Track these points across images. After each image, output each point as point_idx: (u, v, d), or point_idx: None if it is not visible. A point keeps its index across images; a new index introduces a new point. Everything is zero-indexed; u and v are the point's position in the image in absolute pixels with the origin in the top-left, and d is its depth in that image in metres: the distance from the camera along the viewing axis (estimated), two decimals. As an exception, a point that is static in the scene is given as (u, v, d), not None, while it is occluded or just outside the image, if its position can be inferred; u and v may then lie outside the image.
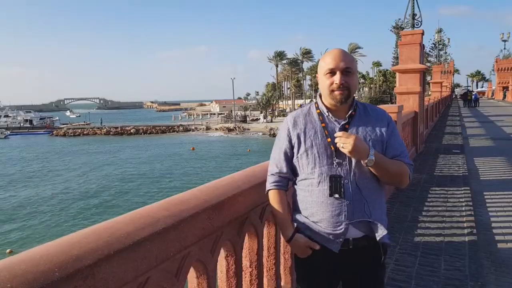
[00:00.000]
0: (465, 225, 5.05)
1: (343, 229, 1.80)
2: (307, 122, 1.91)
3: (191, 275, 1.92)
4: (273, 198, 1.99)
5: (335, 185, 1.79)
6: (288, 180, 1.99)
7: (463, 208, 5.73)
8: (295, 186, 1.98)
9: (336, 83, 1.81)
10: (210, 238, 1.93)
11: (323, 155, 1.83)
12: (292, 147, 1.92)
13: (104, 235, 1.39)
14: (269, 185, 2.01)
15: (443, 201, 6.15)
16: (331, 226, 1.81)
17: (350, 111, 1.88)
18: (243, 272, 2.35)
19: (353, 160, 1.81)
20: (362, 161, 1.78)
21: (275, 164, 1.99)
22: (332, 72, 1.83)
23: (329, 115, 1.89)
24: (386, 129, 1.89)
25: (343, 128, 1.85)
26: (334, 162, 1.81)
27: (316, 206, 1.84)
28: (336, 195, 1.79)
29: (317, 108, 1.94)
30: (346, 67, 1.81)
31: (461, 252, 4.20)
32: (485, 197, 6.39)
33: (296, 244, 1.93)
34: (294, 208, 2.00)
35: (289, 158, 1.94)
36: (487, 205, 5.98)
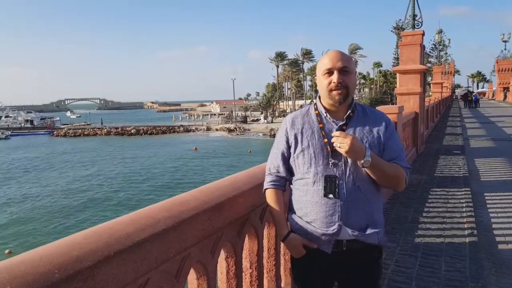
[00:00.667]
0: (465, 226, 5.04)
1: (336, 230, 1.81)
2: (305, 123, 1.92)
3: (191, 276, 1.92)
4: (270, 198, 2.01)
5: (330, 185, 1.79)
6: (286, 180, 2.00)
7: (464, 209, 5.72)
8: (291, 186, 1.99)
9: (334, 82, 1.81)
10: (210, 239, 1.93)
11: (319, 155, 1.84)
12: (289, 148, 1.94)
13: (104, 236, 1.39)
14: (266, 184, 2.03)
15: (443, 202, 6.14)
16: (324, 226, 1.82)
17: (348, 112, 1.89)
18: (243, 273, 2.35)
19: (349, 161, 1.81)
20: (358, 162, 1.78)
21: (272, 164, 2.01)
22: (329, 72, 1.84)
23: (327, 116, 1.90)
24: (384, 132, 1.89)
25: (341, 129, 1.85)
26: (330, 162, 1.82)
27: (310, 206, 1.85)
28: (331, 195, 1.79)
29: (316, 109, 1.95)
30: (343, 67, 1.82)
31: (461, 253, 4.19)
32: (486, 198, 6.38)
33: (290, 244, 1.94)
34: (289, 208, 2.02)
35: (286, 158, 1.96)
36: (488, 206, 5.97)
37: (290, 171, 1.97)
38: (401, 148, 1.96)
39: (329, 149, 1.82)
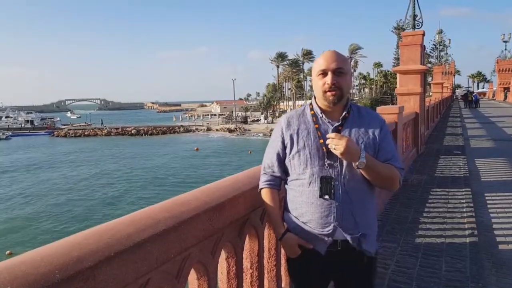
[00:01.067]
0: (466, 226, 5.04)
1: (331, 230, 1.82)
2: (301, 123, 1.92)
3: (192, 276, 1.92)
4: (266, 197, 2.02)
5: (326, 186, 1.80)
6: (281, 179, 2.01)
7: (464, 209, 5.71)
8: (286, 186, 2.00)
9: (328, 84, 1.81)
10: (210, 239, 1.93)
11: (315, 156, 1.84)
12: (284, 148, 1.94)
13: (104, 236, 1.39)
14: (261, 183, 2.04)
15: (444, 202, 6.13)
16: (320, 227, 1.83)
17: (344, 113, 1.89)
18: (243, 274, 2.35)
19: (344, 162, 1.81)
20: (353, 164, 1.78)
21: (267, 163, 2.02)
22: (324, 73, 1.83)
23: (322, 116, 1.90)
24: (379, 133, 1.90)
25: (336, 130, 1.85)
26: (326, 163, 1.82)
27: (306, 206, 1.86)
28: (326, 196, 1.80)
29: (311, 109, 1.94)
30: (338, 68, 1.81)
31: (462, 254, 4.19)
32: (486, 198, 6.37)
33: (287, 243, 1.95)
34: (284, 207, 2.03)
35: (281, 159, 1.96)
36: (488, 206, 5.97)
37: (285, 171, 1.97)
38: (394, 149, 1.97)
39: (324, 150, 1.82)
